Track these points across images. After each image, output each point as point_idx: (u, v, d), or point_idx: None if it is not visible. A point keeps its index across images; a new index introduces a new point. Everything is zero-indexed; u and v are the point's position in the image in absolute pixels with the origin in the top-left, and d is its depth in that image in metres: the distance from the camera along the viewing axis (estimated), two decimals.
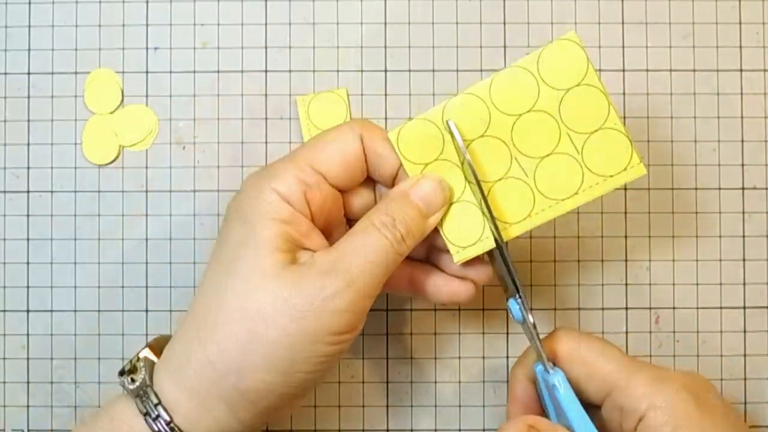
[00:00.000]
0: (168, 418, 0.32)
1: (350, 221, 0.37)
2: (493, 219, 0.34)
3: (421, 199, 0.34)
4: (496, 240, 0.34)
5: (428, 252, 0.37)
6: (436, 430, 0.42)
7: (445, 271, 0.36)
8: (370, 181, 0.36)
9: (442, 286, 0.36)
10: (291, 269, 0.32)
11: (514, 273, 0.34)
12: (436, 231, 0.35)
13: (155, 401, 0.32)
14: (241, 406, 0.32)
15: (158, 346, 0.34)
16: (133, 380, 0.33)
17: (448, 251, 0.35)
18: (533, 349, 0.35)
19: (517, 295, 0.34)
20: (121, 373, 0.33)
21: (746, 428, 0.35)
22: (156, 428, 0.31)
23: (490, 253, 0.34)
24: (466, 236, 0.34)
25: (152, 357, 0.34)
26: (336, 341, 0.32)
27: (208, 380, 0.32)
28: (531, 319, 0.34)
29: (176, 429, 0.32)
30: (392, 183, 0.35)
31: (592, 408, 0.34)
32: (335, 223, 0.36)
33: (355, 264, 0.32)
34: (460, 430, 0.42)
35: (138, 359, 0.33)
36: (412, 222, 0.33)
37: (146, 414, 0.32)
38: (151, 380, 0.33)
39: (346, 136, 0.34)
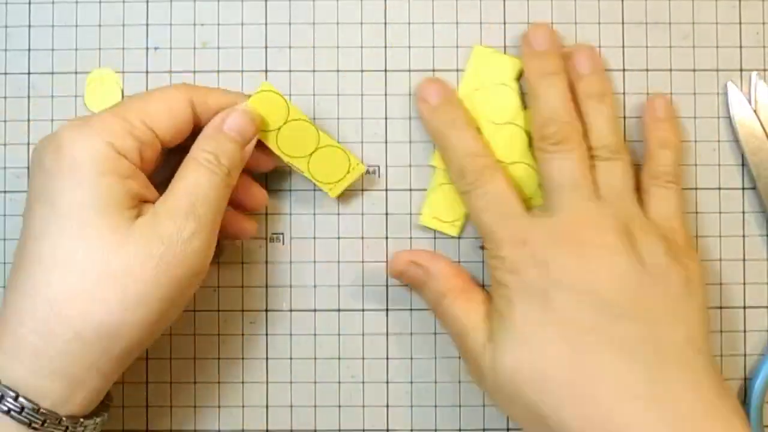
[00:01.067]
0: (35, 406, 0.30)
1: None
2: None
3: (235, 131, 0.36)
4: None
5: None
6: (435, 430, 0.42)
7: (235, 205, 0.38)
8: None
9: (235, 222, 0.38)
10: (141, 222, 0.32)
11: None
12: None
13: (13, 395, 0.30)
14: (115, 369, 0.32)
15: None
16: None
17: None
18: None
19: None
20: None
21: None
22: (6, 408, 0.29)
23: None
24: (333, 173, 0.39)
25: None
26: (197, 282, 0.33)
27: (77, 355, 0.30)
28: None
29: (47, 413, 0.30)
30: None
31: None
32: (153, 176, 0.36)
33: (198, 203, 0.33)
34: (460, 430, 0.42)
35: None
36: (232, 154, 0.35)
37: (8, 411, 0.30)
38: None
39: (177, 97, 0.35)
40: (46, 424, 0.30)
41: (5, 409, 0.30)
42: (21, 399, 0.30)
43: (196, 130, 0.36)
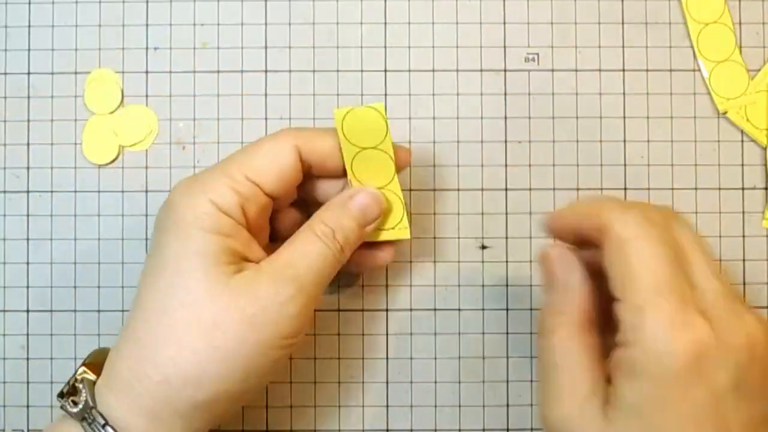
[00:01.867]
0: None
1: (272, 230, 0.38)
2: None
3: (359, 209, 0.35)
4: None
5: None
6: (435, 430, 0.42)
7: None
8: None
9: (369, 258, 0.38)
10: (239, 278, 0.32)
11: None
12: None
13: (102, 422, 0.31)
14: (197, 417, 0.32)
15: (95, 363, 0.34)
16: (74, 402, 0.32)
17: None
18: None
19: None
20: (61, 395, 0.33)
21: None
22: None
23: None
24: (388, 220, 0.37)
25: (90, 376, 0.33)
26: (288, 344, 0.33)
27: (162, 397, 0.31)
28: None
29: None
30: (343, 172, 0.36)
31: None
32: (260, 234, 0.36)
33: (303, 270, 0.33)
34: (460, 430, 0.42)
35: (76, 380, 0.33)
36: (350, 232, 0.35)
37: None
38: (94, 401, 0.32)
39: (281, 144, 0.34)
40: None
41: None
42: (108, 428, 0.31)
43: (306, 178, 0.36)
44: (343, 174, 0.36)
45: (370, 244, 0.37)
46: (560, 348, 0.31)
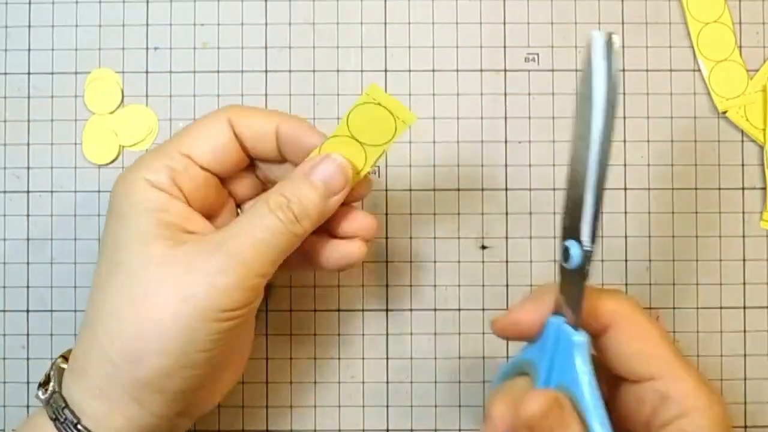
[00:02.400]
0: (75, 420, 0.31)
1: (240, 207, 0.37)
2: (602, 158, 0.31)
3: (321, 180, 0.33)
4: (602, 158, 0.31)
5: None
6: (436, 430, 0.42)
7: (335, 234, 0.35)
8: (252, 168, 0.36)
9: (334, 252, 0.35)
10: (174, 251, 0.32)
11: (598, 212, 0.30)
12: None
13: (62, 405, 0.32)
14: (147, 396, 0.32)
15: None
16: (46, 390, 0.33)
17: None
18: (552, 292, 0.32)
19: (588, 239, 0.31)
20: (39, 385, 0.33)
21: None
22: None
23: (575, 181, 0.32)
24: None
25: (64, 365, 0.34)
26: (228, 317, 0.32)
27: (108, 376, 0.31)
28: (589, 266, 0.31)
29: (84, 430, 0.31)
30: (278, 158, 0.35)
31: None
32: (220, 210, 0.36)
33: (244, 242, 0.32)
34: (460, 430, 0.42)
35: (51, 369, 0.33)
36: (309, 202, 0.33)
37: (55, 419, 0.32)
38: (60, 387, 0.33)
39: (213, 121, 0.34)
40: None
41: (53, 416, 0.32)
42: (66, 410, 0.32)
43: (251, 159, 0.36)
44: (279, 156, 0.35)
45: (333, 237, 0.35)
46: None
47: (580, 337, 0.31)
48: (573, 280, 0.31)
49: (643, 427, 0.32)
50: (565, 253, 0.31)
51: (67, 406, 0.32)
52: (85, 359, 0.32)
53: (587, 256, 0.31)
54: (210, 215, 0.35)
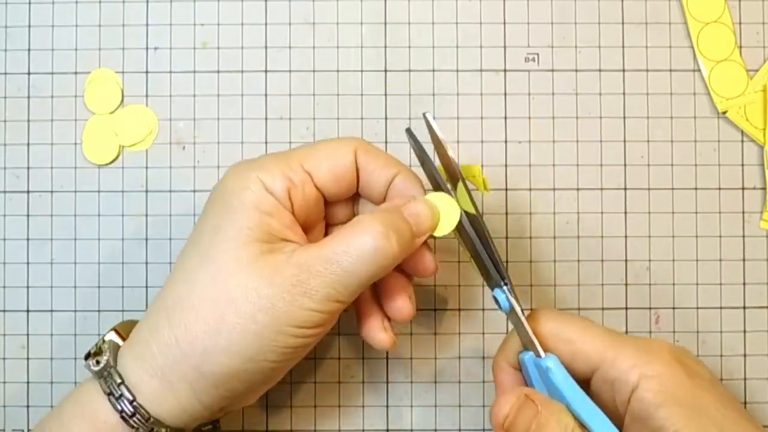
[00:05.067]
0: (131, 397, 0.32)
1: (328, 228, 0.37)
2: (482, 222, 0.35)
3: (412, 216, 0.34)
4: (477, 226, 0.35)
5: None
6: (436, 430, 0.42)
7: (381, 303, 0.36)
8: (353, 199, 0.37)
9: (371, 330, 0.36)
10: (266, 258, 0.32)
11: (498, 261, 0.34)
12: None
13: (118, 381, 0.32)
14: (203, 388, 0.32)
15: (124, 330, 0.35)
16: (98, 362, 0.33)
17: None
18: (514, 337, 0.35)
19: (503, 282, 0.34)
20: (87, 356, 0.33)
21: (732, 396, 0.35)
22: (119, 407, 0.32)
23: (472, 248, 0.35)
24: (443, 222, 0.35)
25: (117, 340, 0.34)
26: (303, 334, 0.32)
27: (171, 359, 0.32)
28: (518, 306, 0.34)
29: (140, 408, 0.32)
30: (381, 201, 0.36)
31: (581, 386, 0.34)
32: (314, 226, 0.36)
33: (336, 268, 0.32)
34: (460, 430, 0.42)
35: (103, 341, 0.34)
36: (404, 237, 0.33)
37: (110, 394, 0.32)
38: (116, 361, 0.33)
39: (341, 145, 0.35)
40: (135, 418, 0.32)
41: (107, 391, 0.32)
42: (122, 386, 0.32)
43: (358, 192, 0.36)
44: (383, 199, 0.36)
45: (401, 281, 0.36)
46: None
47: (548, 362, 0.33)
48: (515, 320, 0.34)
49: (619, 416, 0.33)
50: (496, 301, 0.35)
51: (123, 382, 0.32)
52: (151, 338, 0.32)
53: (510, 296, 0.34)
54: (305, 229, 0.35)
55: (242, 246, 0.32)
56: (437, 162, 0.36)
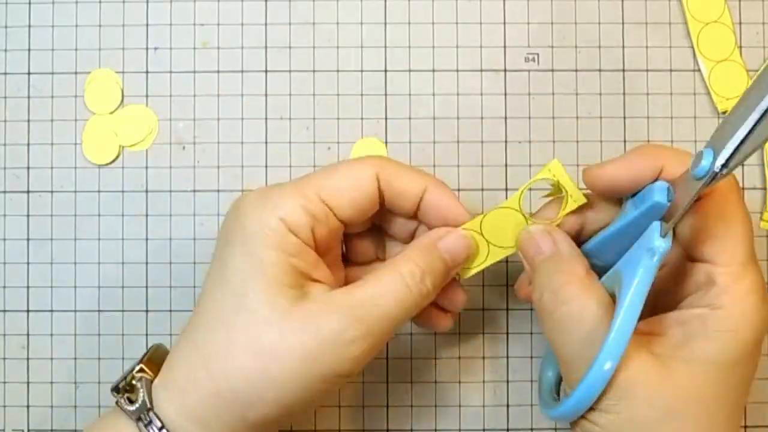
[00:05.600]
0: None
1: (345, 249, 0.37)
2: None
3: (448, 252, 0.34)
4: None
5: None
6: (436, 430, 0.42)
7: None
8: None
9: (427, 319, 0.36)
10: (304, 307, 0.31)
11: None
12: None
13: (159, 425, 0.31)
14: (243, 430, 0.32)
15: (150, 363, 0.33)
16: (130, 400, 0.32)
17: None
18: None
19: (725, 158, 0.27)
20: (116, 389, 0.33)
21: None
22: None
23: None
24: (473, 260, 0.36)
25: (148, 375, 0.33)
26: (344, 380, 0.32)
27: (212, 408, 0.31)
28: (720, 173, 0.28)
29: None
30: (412, 215, 0.35)
31: None
32: (332, 252, 0.36)
33: (376, 314, 0.31)
34: (460, 430, 0.42)
35: (134, 377, 0.33)
36: (438, 276, 0.33)
37: None
38: (152, 402, 0.32)
39: (362, 173, 0.33)
40: None
41: None
42: (164, 431, 0.31)
43: (382, 210, 0.35)
44: (414, 216, 0.35)
45: (431, 310, 0.36)
46: (579, 299, 0.31)
47: (661, 243, 0.30)
48: (690, 188, 0.29)
49: (670, 296, 0.32)
50: (697, 158, 0.29)
51: (164, 426, 0.31)
52: (189, 385, 0.32)
53: (713, 174, 0.28)
54: (323, 256, 0.34)
55: (275, 293, 0.31)
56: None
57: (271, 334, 0.31)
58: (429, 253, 0.33)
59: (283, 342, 0.31)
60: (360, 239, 0.37)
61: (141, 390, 0.32)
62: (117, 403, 0.32)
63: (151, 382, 0.32)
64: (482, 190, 0.42)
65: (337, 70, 0.42)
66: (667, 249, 0.30)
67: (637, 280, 0.30)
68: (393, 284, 0.32)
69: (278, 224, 0.32)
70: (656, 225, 0.31)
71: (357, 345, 0.31)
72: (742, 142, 0.27)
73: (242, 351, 0.31)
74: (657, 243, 0.30)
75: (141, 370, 0.33)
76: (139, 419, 0.31)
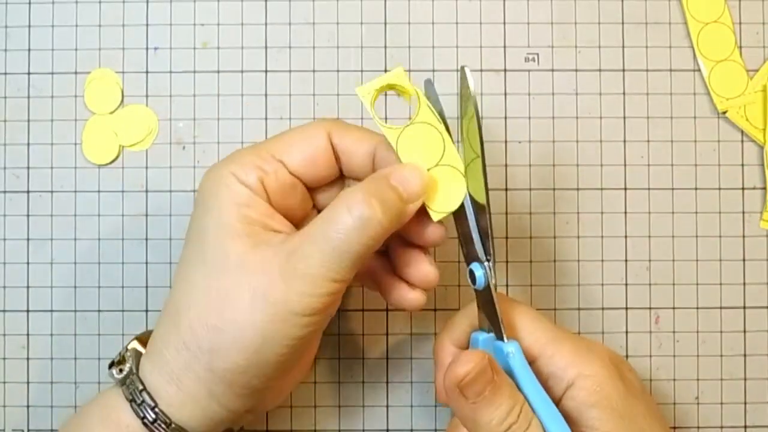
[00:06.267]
0: (153, 403, 0.32)
1: None
2: (486, 181, 0.33)
3: (400, 183, 0.32)
4: (473, 200, 0.34)
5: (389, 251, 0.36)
6: (435, 430, 0.42)
7: (400, 274, 0.35)
8: (341, 183, 0.36)
9: (395, 293, 0.35)
10: (255, 252, 0.32)
11: (490, 235, 0.33)
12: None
13: (140, 387, 0.32)
14: (219, 388, 0.32)
15: (146, 339, 0.35)
16: (121, 370, 0.33)
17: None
18: (464, 316, 0.36)
19: (486, 258, 0.33)
20: (111, 365, 0.34)
21: (659, 411, 0.36)
22: (142, 414, 0.32)
23: (457, 214, 0.34)
24: (445, 199, 0.34)
25: (140, 348, 0.34)
26: (304, 323, 0.32)
27: (183, 362, 0.32)
28: (493, 282, 0.33)
29: (161, 414, 0.32)
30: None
31: None
32: (305, 216, 0.36)
33: (321, 247, 0.31)
34: None
35: (126, 350, 0.34)
36: (391, 203, 0.32)
37: (132, 400, 0.32)
38: (137, 369, 0.33)
39: (311, 129, 0.35)
40: (157, 424, 0.32)
41: (129, 397, 0.32)
42: (144, 393, 0.32)
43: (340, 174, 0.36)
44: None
45: (400, 284, 0.35)
46: None
47: (509, 347, 0.33)
48: (485, 299, 0.34)
49: (557, 404, 0.34)
50: (471, 276, 0.34)
51: (145, 388, 0.32)
52: (163, 345, 0.33)
53: (488, 274, 0.33)
54: (294, 220, 0.35)
55: (228, 242, 0.32)
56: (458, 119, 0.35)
57: (225, 280, 0.32)
58: (377, 181, 0.32)
59: (236, 286, 0.31)
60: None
61: (129, 359, 0.33)
62: (109, 374, 0.33)
63: (141, 354, 0.34)
64: None
65: (337, 70, 0.42)
66: (518, 346, 0.34)
67: (528, 378, 0.33)
68: (338, 215, 0.31)
69: (228, 177, 0.33)
70: (485, 338, 0.34)
71: (306, 281, 0.31)
72: (484, 237, 0.33)
73: (200, 300, 0.32)
74: (507, 348, 0.33)
75: (134, 344, 0.35)
76: (124, 384, 0.33)
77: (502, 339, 0.34)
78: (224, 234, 0.32)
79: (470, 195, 0.34)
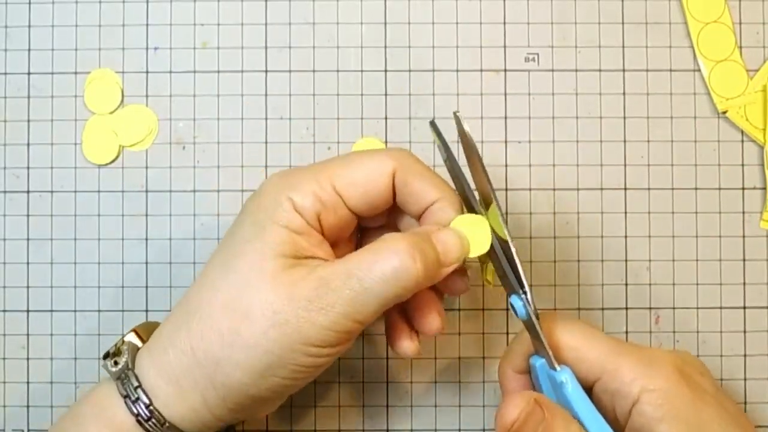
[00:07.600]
0: (147, 401, 0.32)
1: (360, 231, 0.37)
2: (504, 218, 0.34)
3: (441, 244, 0.33)
4: (498, 238, 0.34)
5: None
6: (435, 430, 0.42)
7: (407, 318, 0.35)
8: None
9: (398, 339, 0.35)
10: (288, 273, 0.31)
11: (520, 268, 0.33)
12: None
13: (135, 384, 0.32)
14: (214, 398, 0.32)
15: (143, 331, 0.35)
16: (116, 363, 0.33)
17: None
18: (520, 342, 0.35)
19: (522, 291, 0.33)
20: (106, 356, 0.33)
21: (738, 409, 0.35)
22: (135, 411, 0.32)
23: (491, 254, 0.34)
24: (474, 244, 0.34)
25: (136, 341, 0.34)
26: (315, 353, 0.31)
27: (186, 366, 0.32)
28: (536, 318, 0.33)
29: (155, 412, 0.32)
30: (418, 217, 0.35)
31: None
32: (345, 237, 0.36)
33: (354, 286, 0.31)
34: (460, 430, 0.42)
35: (122, 342, 0.34)
36: (430, 261, 0.32)
37: (126, 396, 0.32)
38: (134, 364, 0.33)
39: (377, 166, 0.33)
40: (150, 422, 0.32)
41: (123, 393, 0.32)
42: (139, 390, 0.32)
43: (395, 208, 0.35)
44: (419, 216, 0.35)
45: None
46: None
47: (563, 376, 0.33)
48: (530, 328, 0.33)
49: (620, 427, 0.33)
50: (512, 308, 0.34)
51: (140, 385, 0.32)
52: (169, 343, 0.33)
53: (527, 303, 0.33)
54: (334, 242, 0.34)
55: (267, 260, 0.32)
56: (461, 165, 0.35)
57: (251, 296, 0.31)
58: (421, 237, 0.32)
59: (259, 303, 0.31)
60: (378, 233, 0.37)
61: (126, 353, 0.33)
62: (103, 366, 0.33)
63: (138, 348, 0.34)
64: None
65: (337, 70, 0.42)
66: (569, 374, 0.33)
67: (584, 406, 0.33)
68: (379, 257, 0.31)
69: (287, 203, 0.32)
70: (542, 363, 0.34)
71: (327, 314, 0.31)
72: (516, 272, 0.33)
73: (220, 309, 0.32)
74: (559, 378, 0.33)
75: (131, 336, 0.34)
76: (119, 378, 0.33)
77: (554, 368, 0.33)
78: (266, 253, 0.32)
79: (494, 232, 0.34)
